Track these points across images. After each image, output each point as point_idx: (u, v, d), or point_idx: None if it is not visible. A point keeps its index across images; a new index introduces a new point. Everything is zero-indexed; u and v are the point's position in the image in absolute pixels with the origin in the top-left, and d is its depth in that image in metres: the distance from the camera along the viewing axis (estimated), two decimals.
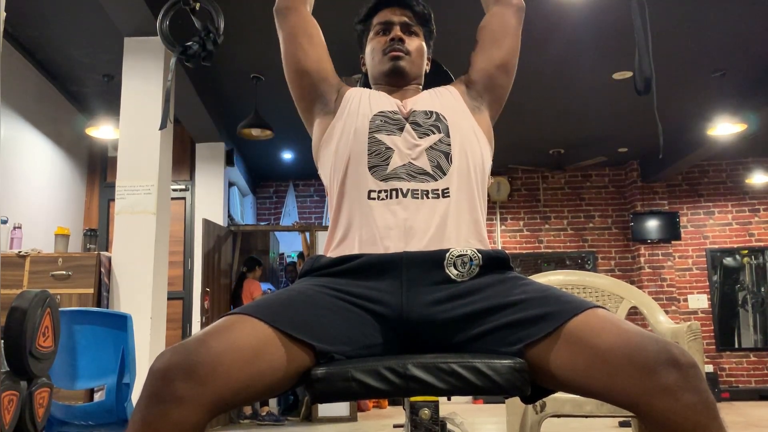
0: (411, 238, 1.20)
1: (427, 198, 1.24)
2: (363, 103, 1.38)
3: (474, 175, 1.32)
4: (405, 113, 1.35)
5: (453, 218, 1.24)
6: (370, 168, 1.28)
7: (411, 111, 1.35)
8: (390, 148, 1.29)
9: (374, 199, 1.25)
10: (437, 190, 1.26)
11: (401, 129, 1.31)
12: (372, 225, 1.23)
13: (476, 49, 1.49)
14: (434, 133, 1.31)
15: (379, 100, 1.39)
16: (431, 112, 1.35)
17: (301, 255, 7.04)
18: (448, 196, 1.26)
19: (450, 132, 1.33)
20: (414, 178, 1.26)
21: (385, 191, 1.25)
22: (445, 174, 1.27)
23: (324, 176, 1.39)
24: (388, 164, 1.27)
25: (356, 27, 1.54)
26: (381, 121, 1.33)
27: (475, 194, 1.31)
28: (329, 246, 1.30)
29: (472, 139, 1.36)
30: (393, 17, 1.46)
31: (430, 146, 1.29)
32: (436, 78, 1.60)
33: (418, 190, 1.25)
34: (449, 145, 1.31)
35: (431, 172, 1.27)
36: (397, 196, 1.24)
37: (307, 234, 6.59)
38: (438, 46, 1.59)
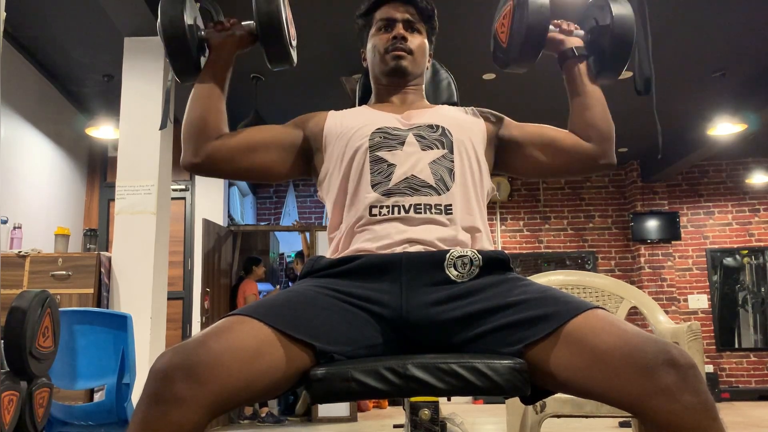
0: (411, 245, 1.20)
1: (430, 213, 1.22)
2: (357, 122, 1.35)
3: (474, 192, 1.30)
4: (408, 125, 1.33)
5: (455, 237, 1.23)
6: (373, 186, 1.26)
7: (415, 124, 1.33)
8: (392, 164, 1.27)
9: (376, 215, 1.24)
10: (440, 206, 1.23)
11: (402, 143, 1.29)
12: (374, 236, 1.22)
13: (537, 132, 1.42)
14: (438, 148, 1.29)
15: (375, 116, 1.36)
16: (437, 126, 1.33)
17: (299, 255, 7.03)
18: (451, 213, 1.24)
19: (454, 148, 1.30)
20: (417, 192, 1.24)
21: (387, 207, 1.23)
22: (448, 189, 1.25)
23: (326, 196, 1.36)
24: (390, 180, 1.25)
25: (357, 21, 1.51)
26: (380, 137, 1.30)
27: (477, 212, 1.29)
28: (332, 256, 1.28)
29: (473, 160, 1.33)
30: (396, 14, 1.42)
31: (433, 160, 1.27)
32: (434, 78, 1.59)
33: (420, 204, 1.23)
34: (452, 161, 1.29)
35: (434, 185, 1.25)
36: (399, 212, 1.23)
37: (307, 234, 6.59)
38: (438, 44, 1.59)
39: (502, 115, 1.45)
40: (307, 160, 1.40)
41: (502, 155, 1.42)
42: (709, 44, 4.98)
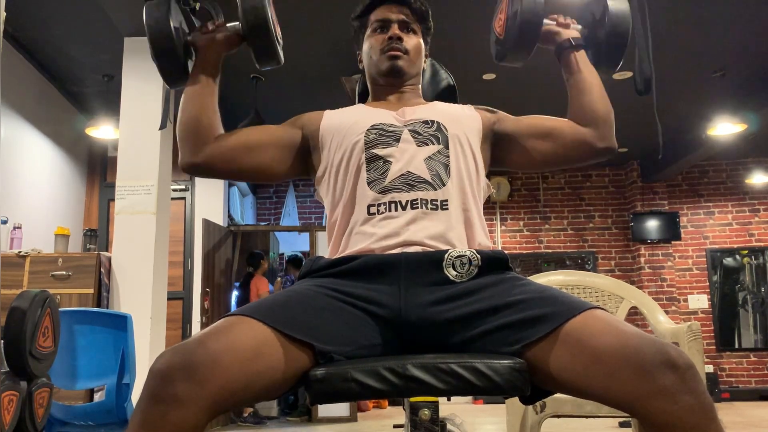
0: (409, 247, 1.20)
1: (426, 208, 1.23)
2: (352, 119, 1.35)
3: (470, 188, 1.30)
4: (403, 121, 1.33)
5: (452, 233, 1.23)
6: (369, 183, 1.26)
7: (410, 120, 1.33)
8: (388, 160, 1.27)
9: (374, 214, 1.24)
10: (436, 201, 1.24)
11: (398, 140, 1.29)
12: (372, 236, 1.22)
13: (534, 123, 1.41)
14: (433, 144, 1.29)
15: (371, 113, 1.36)
16: (432, 122, 1.33)
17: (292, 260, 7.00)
18: (447, 209, 1.24)
19: (450, 144, 1.30)
20: (412, 188, 1.24)
21: (384, 204, 1.23)
22: (444, 184, 1.25)
23: (324, 195, 1.37)
24: (386, 177, 1.25)
25: (353, 23, 1.51)
26: (376, 134, 1.30)
27: (473, 207, 1.29)
28: (331, 257, 1.28)
29: (469, 154, 1.33)
30: (391, 15, 1.43)
31: (429, 156, 1.27)
32: (434, 78, 1.59)
33: (417, 200, 1.23)
34: (448, 156, 1.29)
35: (430, 180, 1.25)
36: (396, 209, 1.23)
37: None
38: (438, 44, 1.59)
39: (498, 110, 1.45)
40: (304, 159, 1.40)
41: (500, 149, 1.42)
42: (709, 44, 4.98)
